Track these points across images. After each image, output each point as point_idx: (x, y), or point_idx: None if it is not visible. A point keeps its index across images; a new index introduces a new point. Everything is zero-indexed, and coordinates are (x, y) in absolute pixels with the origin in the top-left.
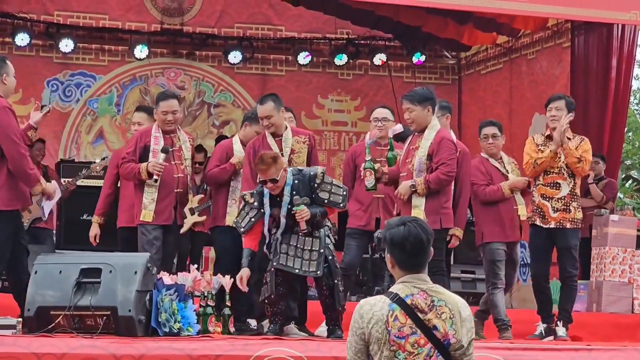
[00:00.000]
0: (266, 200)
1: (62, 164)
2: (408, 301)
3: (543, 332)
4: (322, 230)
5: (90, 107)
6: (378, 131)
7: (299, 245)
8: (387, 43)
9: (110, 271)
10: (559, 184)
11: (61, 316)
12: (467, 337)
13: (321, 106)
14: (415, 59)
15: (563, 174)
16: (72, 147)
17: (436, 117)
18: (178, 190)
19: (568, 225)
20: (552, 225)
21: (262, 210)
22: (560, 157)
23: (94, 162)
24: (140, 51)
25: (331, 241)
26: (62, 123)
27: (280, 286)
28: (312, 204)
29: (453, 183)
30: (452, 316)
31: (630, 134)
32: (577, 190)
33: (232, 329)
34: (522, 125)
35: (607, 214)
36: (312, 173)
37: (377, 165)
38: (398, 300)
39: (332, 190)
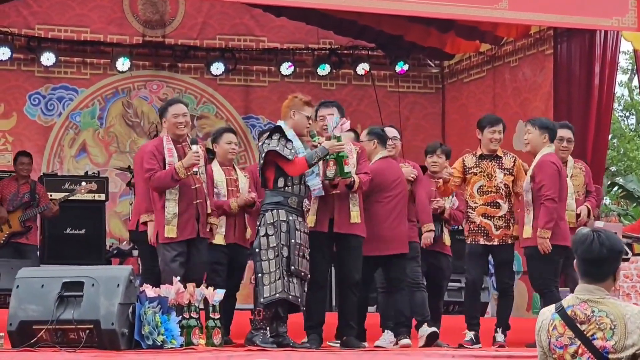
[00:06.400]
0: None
1: (45, 177)
2: (569, 312)
3: (473, 338)
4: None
5: (73, 120)
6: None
7: (305, 244)
8: (370, 52)
9: (93, 284)
10: (499, 203)
11: (44, 330)
12: (634, 348)
13: None
14: (398, 68)
15: (501, 193)
16: (54, 161)
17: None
18: (198, 201)
19: (509, 241)
20: (495, 242)
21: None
22: (496, 177)
23: (80, 185)
24: (122, 64)
25: None
26: (45, 137)
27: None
28: None
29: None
30: (613, 327)
31: (614, 140)
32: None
33: (216, 341)
34: (506, 133)
35: (593, 220)
36: None
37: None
38: (560, 311)
39: None
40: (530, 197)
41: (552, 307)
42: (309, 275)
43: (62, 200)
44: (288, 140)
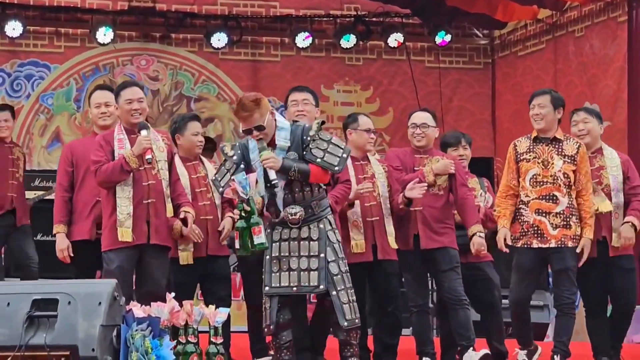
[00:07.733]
0: (254, 156)
1: None
2: None
3: (526, 358)
4: (322, 223)
5: (44, 103)
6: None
7: (291, 253)
8: (404, 20)
9: (69, 302)
10: (556, 196)
11: (10, 358)
12: None
13: (325, 98)
14: (438, 39)
15: (559, 184)
16: None
17: None
18: (150, 201)
19: (570, 244)
20: (553, 244)
21: (241, 166)
22: (554, 165)
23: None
24: (104, 34)
25: (336, 239)
26: None
27: (281, 313)
28: (302, 161)
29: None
30: None
31: None
32: (575, 202)
33: None
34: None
35: None
36: (306, 125)
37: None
38: None
39: (329, 149)
40: (622, 198)
41: None
42: (319, 286)
43: (36, 201)
44: (234, 161)
